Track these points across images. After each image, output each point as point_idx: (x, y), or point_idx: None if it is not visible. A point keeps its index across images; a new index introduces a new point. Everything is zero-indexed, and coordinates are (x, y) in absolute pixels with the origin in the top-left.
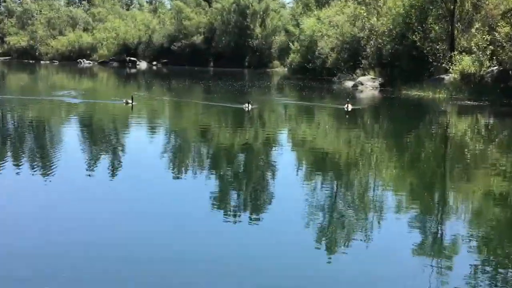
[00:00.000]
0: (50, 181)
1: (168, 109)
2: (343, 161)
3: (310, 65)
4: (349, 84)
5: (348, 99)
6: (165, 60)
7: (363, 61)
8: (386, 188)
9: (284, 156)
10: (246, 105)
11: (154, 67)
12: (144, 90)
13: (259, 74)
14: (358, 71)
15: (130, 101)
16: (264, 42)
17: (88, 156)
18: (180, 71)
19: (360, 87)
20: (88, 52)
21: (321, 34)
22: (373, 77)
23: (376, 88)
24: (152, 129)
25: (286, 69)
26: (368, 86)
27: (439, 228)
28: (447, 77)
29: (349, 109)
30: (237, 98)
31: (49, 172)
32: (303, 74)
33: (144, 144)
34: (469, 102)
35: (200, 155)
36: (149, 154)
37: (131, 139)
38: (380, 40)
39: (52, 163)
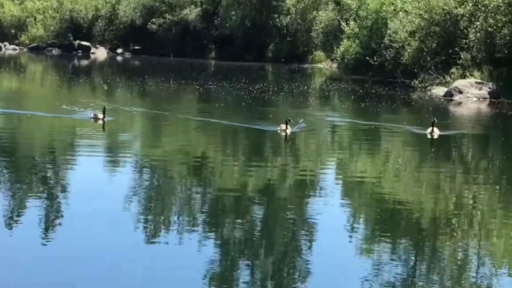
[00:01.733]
0: None
1: (146, 128)
2: (426, 219)
3: (375, 59)
4: (438, 91)
5: (433, 120)
6: (137, 47)
7: (462, 55)
8: (498, 264)
9: (330, 209)
10: (282, 126)
11: (119, 57)
12: (103, 95)
13: (291, 73)
14: (454, 70)
15: (100, 116)
16: (299, 21)
17: (13, 203)
18: (162, 64)
19: (457, 97)
20: (13, 31)
21: (394, 9)
22: (479, 81)
23: (484, 99)
24: (121, 160)
25: (335, 65)
26: (470, 95)
27: None
28: None
29: (435, 136)
30: (254, 112)
31: None
32: (363, 74)
33: (106, 185)
34: None
35: (194, 206)
36: (112, 204)
37: (89, 175)
38: (491, 21)
39: None
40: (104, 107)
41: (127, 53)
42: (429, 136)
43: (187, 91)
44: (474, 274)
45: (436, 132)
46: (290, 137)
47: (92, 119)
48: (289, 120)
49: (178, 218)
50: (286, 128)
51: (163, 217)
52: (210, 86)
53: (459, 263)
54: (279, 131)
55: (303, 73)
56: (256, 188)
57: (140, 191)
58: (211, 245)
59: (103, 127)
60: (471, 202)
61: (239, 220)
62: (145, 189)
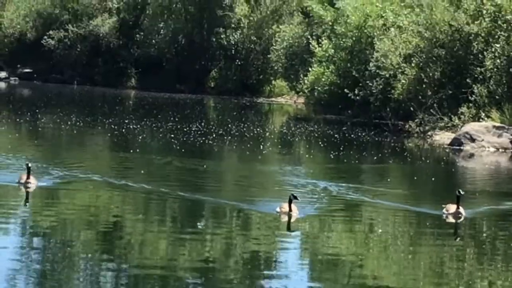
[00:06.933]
0: None
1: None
2: None
3: (356, 92)
4: (443, 138)
5: (459, 192)
6: (27, 70)
7: (476, 89)
8: None
9: None
10: (285, 206)
11: (3, 83)
12: None
13: (241, 109)
14: (464, 110)
15: (23, 178)
16: (253, 38)
17: None
18: (62, 95)
19: (468, 147)
20: None
21: (384, 24)
22: (498, 124)
23: (505, 149)
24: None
25: (301, 100)
26: (486, 144)
27: None
28: None
29: (461, 216)
30: (188, 167)
31: None
32: (341, 113)
33: None
34: None
35: None
36: None
37: None
38: None
39: None
40: (28, 165)
41: (14, 78)
42: (450, 219)
43: (95, 133)
44: None
45: (462, 212)
46: (296, 224)
47: (19, 184)
48: (295, 197)
49: None
50: (290, 209)
51: None
52: (128, 126)
53: None
54: (278, 214)
55: (258, 110)
56: (191, 266)
57: (29, 270)
58: None
59: (27, 198)
60: None
61: None
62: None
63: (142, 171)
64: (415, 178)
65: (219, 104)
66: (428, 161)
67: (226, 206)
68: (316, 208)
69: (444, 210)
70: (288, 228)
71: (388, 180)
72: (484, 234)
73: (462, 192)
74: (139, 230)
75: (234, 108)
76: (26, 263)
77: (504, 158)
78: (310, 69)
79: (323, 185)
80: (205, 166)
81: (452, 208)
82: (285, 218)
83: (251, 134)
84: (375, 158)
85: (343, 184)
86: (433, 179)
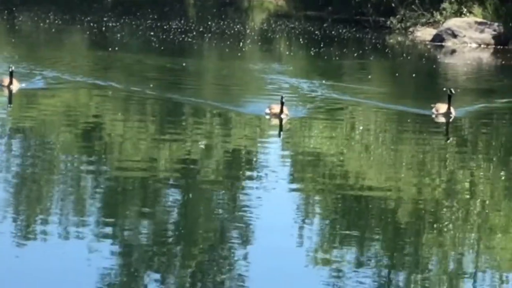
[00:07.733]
0: None
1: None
2: (405, 211)
3: None
4: (424, 34)
5: (450, 91)
6: None
7: None
8: (502, 276)
9: (274, 196)
10: (274, 108)
11: None
12: None
13: (221, 6)
14: (446, 5)
15: (6, 81)
16: None
17: None
18: None
19: (449, 43)
20: None
21: None
22: (480, 20)
23: (487, 45)
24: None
25: None
26: (468, 40)
27: None
28: None
29: (452, 115)
30: (169, 66)
31: None
32: (321, 10)
33: None
34: None
35: (84, 190)
36: None
37: None
38: None
39: None
40: (11, 68)
41: None
42: (440, 119)
43: (74, 32)
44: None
45: (453, 112)
46: (287, 125)
47: (1, 87)
48: (283, 98)
49: (61, 206)
50: (281, 111)
51: (39, 206)
52: (107, 24)
53: (449, 271)
54: (268, 116)
55: (237, 6)
56: (172, 167)
57: (10, 171)
58: (105, 248)
59: (10, 99)
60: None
61: (146, 211)
62: (16, 170)
63: (121, 71)
64: (397, 74)
65: (198, 1)
66: (409, 57)
67: (208, 107)
68: (300, 108)
69: (433, 110)
70: (281, 129)
71: (369, 77)
72: (468, 132)
73: (453, 92)
74: (119, 131)
75: (213, 5)
76: (6, 163)
77: (486, 54)
78: None
79: (304, 83)
80: (184, 64)
81: (442, 108)
82: (275, 120)
83: (231, 31)
84: (356, 54)
85: (324, 82)
86: (414, 75)
